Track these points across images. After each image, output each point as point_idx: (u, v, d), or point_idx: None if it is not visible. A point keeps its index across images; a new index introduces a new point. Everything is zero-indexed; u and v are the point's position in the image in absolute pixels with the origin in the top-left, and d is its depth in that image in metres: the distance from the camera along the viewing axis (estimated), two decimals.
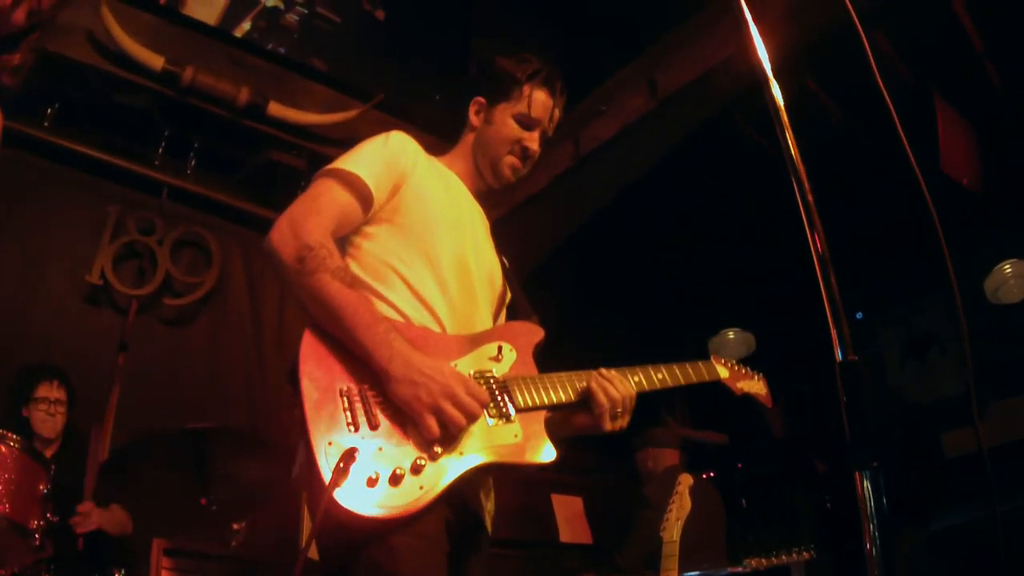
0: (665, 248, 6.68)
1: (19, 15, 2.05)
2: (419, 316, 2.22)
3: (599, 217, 6.00)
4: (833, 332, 1.53)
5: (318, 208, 2.20)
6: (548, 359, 2.40)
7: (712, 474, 5.87)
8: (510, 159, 2.56)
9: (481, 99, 2.62)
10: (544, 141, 2.61)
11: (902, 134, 1.80)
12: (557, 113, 2.64)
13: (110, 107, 5.29)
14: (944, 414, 6.82)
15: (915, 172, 1.81)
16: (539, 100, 2.57)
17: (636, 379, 2.43)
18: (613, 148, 5.52)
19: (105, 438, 4.56)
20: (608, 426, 2.28)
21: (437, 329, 2.23)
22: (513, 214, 5.35)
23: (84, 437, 4.29)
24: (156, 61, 5.08)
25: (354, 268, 2.24)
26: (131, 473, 3.96)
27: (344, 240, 2.29)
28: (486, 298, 2.45)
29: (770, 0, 4.56)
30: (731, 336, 7.69)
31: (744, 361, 2.90)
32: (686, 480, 4.52)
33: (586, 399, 2.29)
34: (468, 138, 2.64)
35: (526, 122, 2.56)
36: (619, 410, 2.29)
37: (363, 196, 2.27)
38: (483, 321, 2.39)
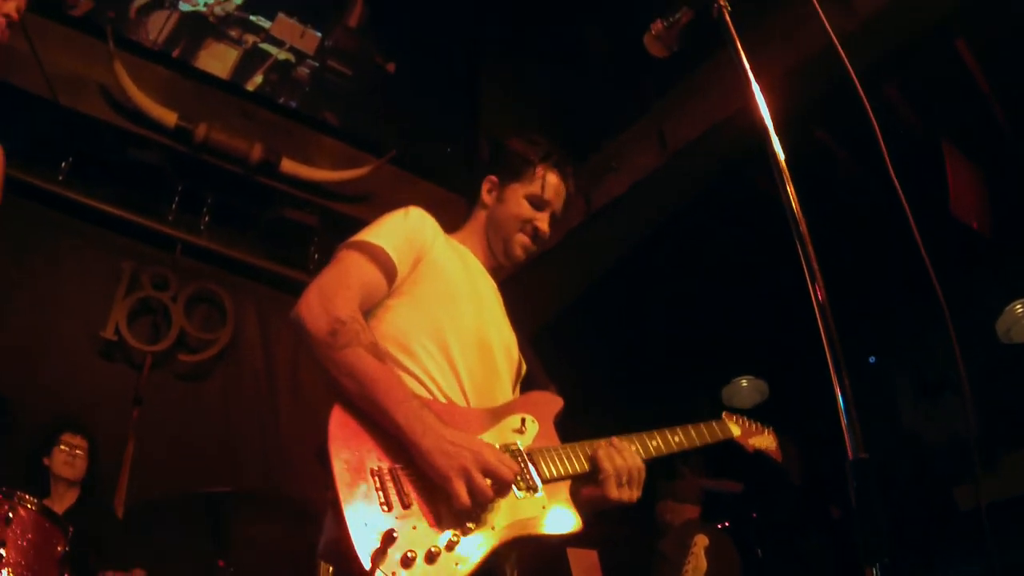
0: (677, 299, 6.69)
1: None
2: (444, 389, 2.23)
3: (612, 271, 6.03)
4: (845, 430, 1.55)
5: (346, 282, 2.20)
6: (564, 415, 2.43)
7: (727, 524, 5.85)
8: (522, 238, 2.61)
9: (494, 178, 2.68)
10: (553, 223, 2.67)
11: (896, 183, 1.85)
12: (567, 196, 2.70)
13: (124, 162, 5.32)
14: (958, 455, 6.80)
15: (909, 220, 1.84)
16: (552, 183, 2.64)
17: (654, 443, 2.46)
18: (625, 203, 5.55)
19: (120, 492, 4.56)
20: (614, 495, 2.26)
21: (462, 402, 2.24)
22: (525, 271, 5.31)
23: (99, 495, 4.29)
24: (169, 117, 5.12)
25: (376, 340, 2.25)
26: (148, 536, 3.95)
27: (366, 314, 2.29)
28: (506, 370, 2.47)
29: (776, 55, 4.61)
30: (744, 384, 7.67)
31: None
32: (702, 541, 4.51)
33: (596, 467, 2.29)
34: (480, 215, 2.69)
35: (538, 203, 2.62)
36: (624, 479, 2.28)
37: (387, 270, 2.28)
38: (504, 393, 2.40)
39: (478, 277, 2.57)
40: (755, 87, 1.94)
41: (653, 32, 2.20)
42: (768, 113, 1.90)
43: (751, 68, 1.95)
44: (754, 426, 2.98)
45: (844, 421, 1.57)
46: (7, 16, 2.50)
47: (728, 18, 2.04)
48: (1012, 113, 5.83)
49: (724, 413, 2.89)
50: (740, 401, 7.63)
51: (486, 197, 2.68)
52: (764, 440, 2.99)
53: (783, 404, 7.41)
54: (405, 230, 2.39)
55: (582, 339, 6.35)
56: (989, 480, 6.14)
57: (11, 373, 4.68)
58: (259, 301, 5.40)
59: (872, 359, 7.62)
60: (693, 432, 2.64)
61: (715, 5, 2.03)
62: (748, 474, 6.18)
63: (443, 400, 2.20)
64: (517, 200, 2.61)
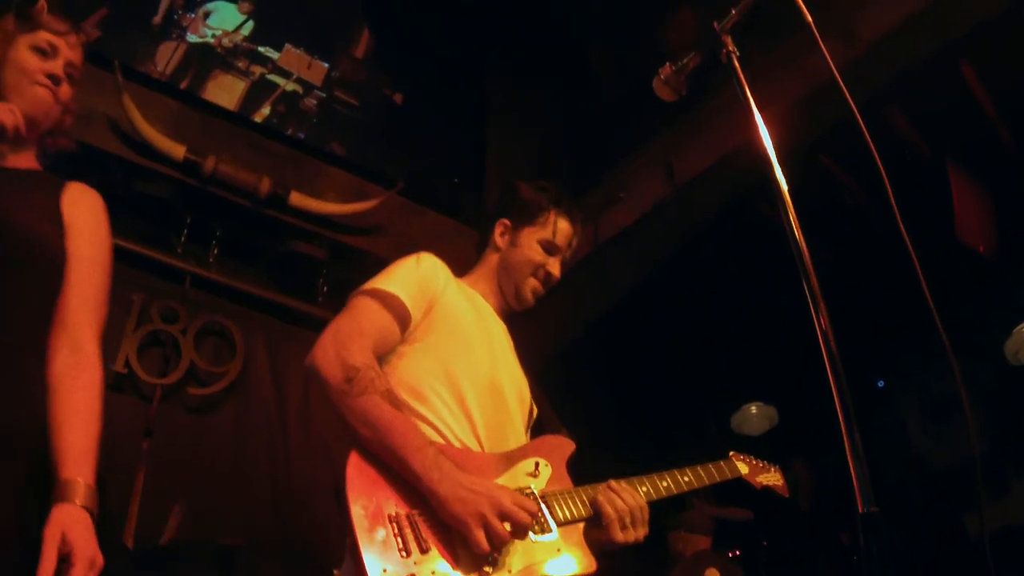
0: (685, 327, 6.71)
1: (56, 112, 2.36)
2: (458, 435, 2.26)
3: (621, 300, 6.04)
4: (855, 482, 1.57)
5: (360, 329, 2.23)
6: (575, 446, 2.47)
7: (738, 553, 5.84)
8: (533, 282, 2.70)
9: (507, 221, 2.75)
10: (563, 267, 2.74)
11: (896, 209, 1.87)
12: (575, 241, 2.80)
13: (132, 194, 5.33)
14: (969, 479, 6.79)
15: (909, 248, 1.87)
16: (563, 228, 2.74)
17: (664, 484, 2.53)
18: (632, 234, 5.57)
19: (130, 523, 4.55)
20: (619, 537, 2.30)
21: (476, 447, 2.27)
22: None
23: (109, 527, 4.27)
24: (178, 151, 5.13)
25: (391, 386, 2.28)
26: None
27: (380, 360, 2.32)
28: (518, 414, 2.51)
29: (784, 83, 4.63)
30: (754, 410, 7.68)
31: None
32: (712, 574, 4.54)
33: (597, 511, 2.32)
34: (492, 258, 2.76)
35: (550, 247, 2.71)
36: (628, 520, 2.32)
37: (401, 316, 2.32)
38: (517, 437, 2.45)
39: (490, 321, 2.61)
40: (760, 125, 1.97)
41: (662, 76, 2.23)
42: (772, 146, 1.93)
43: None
44: (761, 464, 3.09)
45: (854, 472, 1.58)
46: (52, 77, 2.39)
47: (737, 63, 2.06)
48: (1018, 135, 5.85)
49: (731, 453, 2.99)
50: (750, 428, 7.64)
51: (498, 240, 2.74)
52: (771, 477, 3.09)
53: (793, 430, 7.41)
54: (417, 277, 2.42)
55: (591, 368, 6.37)
56: (998, 506, 6.11)
57: None
58: (268, 334, 5.39)
59: (881, 383, 7.62)
60: (702, 472, 2.71)
61: (724, 51, 2.06)
62: (758, 502, 6.17)
63: (458, 445, 2.23)
64: (530, 244, 2.70)
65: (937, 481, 7.10)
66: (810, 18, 2.03)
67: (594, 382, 6.32)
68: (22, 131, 2.22)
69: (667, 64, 2.24)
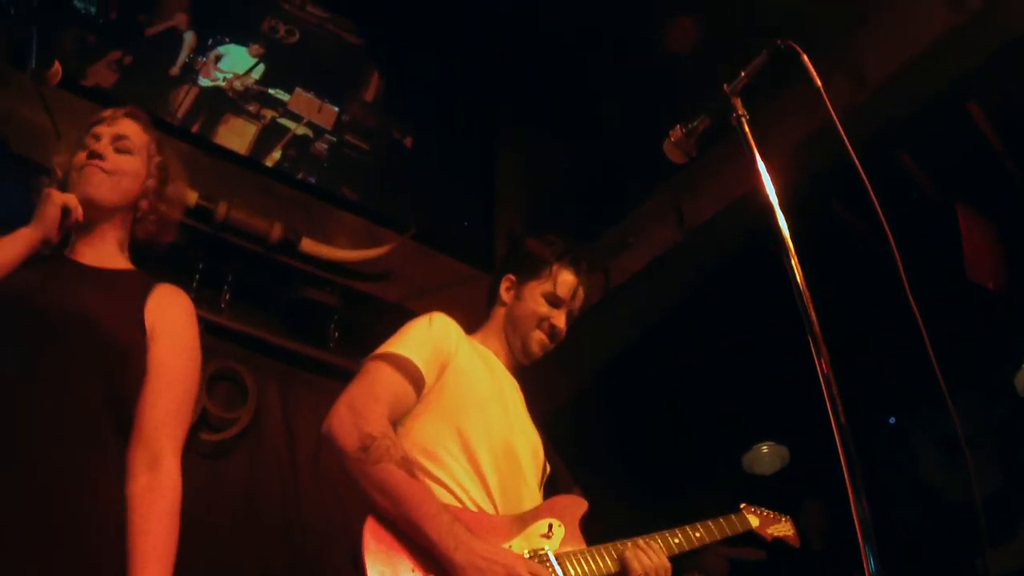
0: (695, 368, 6.71)
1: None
2: (473, 498, 2.27)
3: (632, 343, 6.05)
4: (862, 548, 1.58)
5: (375, 395, 2.25)
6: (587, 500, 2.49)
7: None
8: (538, 335, 2.73)
9: (512, 276, 2.80)
10: (571, 319, 2.77)
11: (896, 251, 1.89)
12: (582, 292, 2.86)
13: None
14: (983, 516, 6.74)
15: (906, 289, 1.89)
16: (565, 280, 2.77)
17: (676, 541, 2.58)
18: (643, 280, 5.59)
19: None
20: None
21: (491, 509, 2.29)
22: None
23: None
24: (190, 196, 5.16)
25: (406, 448, 2.30)
26: None
27: (395, 423, 2.34)
28: (532, 474, 2.53)
29: (793, 125, 4.66)
30: (765, 450, 7.66)
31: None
32: None
33: (624, 567, 2.36)
34: (499, 313, 2.80)
35: (554, 300, 2.75)
36: None
37: (415, 380, 2.34)
38: (532, 497, 2.46)
39: (502, 380, 2.63)
40: (768, 183, 1.99)
41: (672, 139, 2.26)
42: (775, 195, 1.95)
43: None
44: (771, 515, 3.16)
45: (860, 538, 1.60)
46: (93, 154, 2.36)
47: (746, 126, 2.08)
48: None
49: (743, 505, 3.03)
50: (761, 467, 7.62)
51: (504, 295, 2.79)
52: (781, 528, 3.17)
53: (804, 469, 7.39)
54: (431, 339, 2.44)
55: (603, 413, 6.36)
56: (1009, 546, 6.07)
57: None
58: (280, 379, 5.40)
59: (892, 420, 7.60)
60: (713, 527, 2.79)
61: (734, 115, 2.08)
62: (769, 543, 6.14)
63: (473, 508, 2.24)
64: (534, 298, 2.75)
65: (951, 516, 7.07)
66: (819, 82, 2.05)
67: (605, 428, 6.32)
68: (79, 216, 2.23)
69: (677, 127, 2.26)
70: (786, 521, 3.22)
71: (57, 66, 2.25)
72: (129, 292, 2.21)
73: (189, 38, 5.86)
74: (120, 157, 2.39)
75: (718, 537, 2.78)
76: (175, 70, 5.71)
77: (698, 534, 2.68)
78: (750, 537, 3.09)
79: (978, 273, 5.69)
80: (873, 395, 7.20)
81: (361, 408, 2.18)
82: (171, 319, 2.21)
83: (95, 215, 2.30)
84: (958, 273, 5.62)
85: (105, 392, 2.02)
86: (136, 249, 2.42)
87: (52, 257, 2.26)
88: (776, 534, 3.12)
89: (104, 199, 2.32)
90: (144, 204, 2.41)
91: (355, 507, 2.17)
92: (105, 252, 2.28)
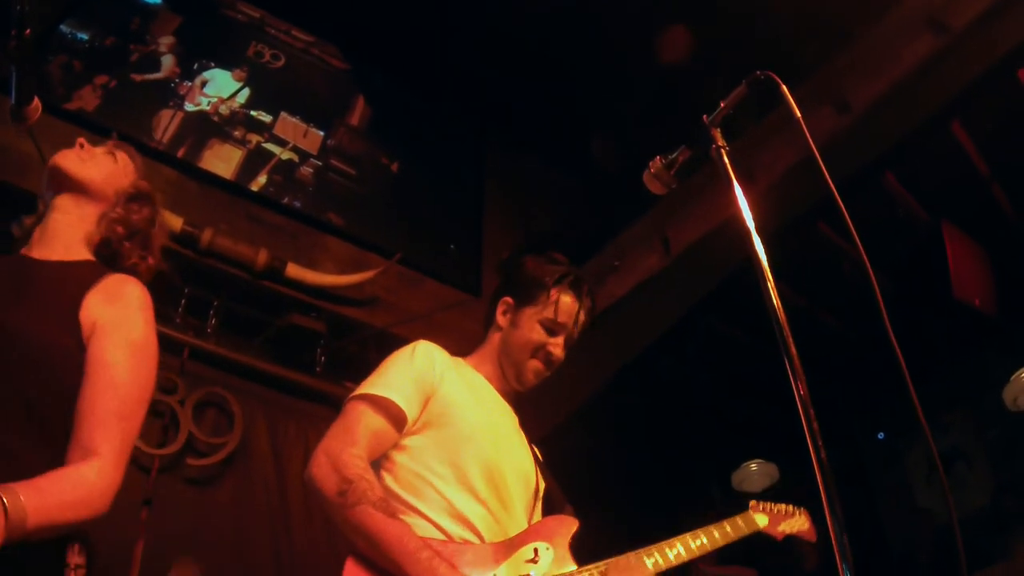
0: (684, 387, 6.71)
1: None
2: (456, 529, 2.25)
3: (620, 373, 6.04)
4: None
5: (353, 438, 2.22)
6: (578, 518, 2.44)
7: None
8: (534, 364, 2.61)
9: (509, 300, 2.68)
10: (570, 343, 2.65)
11: (872, 274, 1.88)
12: (583, 316, 2.67)
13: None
14: (975, 532, 6.74)
15: (883, 312, 1.88)
16: (565, 305, 2.62)
17: (674, 552, 2.48)
18: (628, 305, 5.57)
19: None
20: None
21: (475, 540, 2.25)
22: None
23: None
24: (175, 222, 5.14)
25: (389, 482, 2.28)
26: None
27: (382, 456, 2.32)
28: (521, 499, 2.47)
29: (779, 151, 4.66)
30: (754, 468, 7.66)
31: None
32: None
33: None
34: (495, 338, 2.69)
35: (552, 327, 2.61)
36: None
37: (396, 419, 2.30)
38: (519, 523, 2.41)
39: (492, 406, 2.57)
40: (746, 212, 1.98)
41: (652, 170, 2.25)
42: (753, 222, 1.95)
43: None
44: (783, 510, 2.97)
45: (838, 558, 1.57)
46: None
47: (726, 158, 2.07)
48: (1012, 192, 5.91)
49: (752, 503, 2.88)
50: (751, 485, 7.62)
51: (500, 320, 2.68)
52: (794, 523, 2.97)
53: (794, 487, 7.37)
54: (412, 373, 2.40)
55: (593, 437, 6.35)
56: (1001, 565, 6.04)
57: None
58: (267, 405, 5.37)
59: (881, 435, 7.60)
60: (715, 532, 2.64)
61: (713, 146, 2.07)
62: (761, 560, 6.12)
63: (457, 540, 2.22)
64: (531, 325, 2.61)
65: (943, 535, 7.05)
66: (799, 114, 2.04)
67: (596, 451, 6.30)
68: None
69: (657, 158, 2.25)
70: (801, 513, 3.02)
71: (36, 101, 2.19)
72: (69, 287, 2.01)
73: (174, 63, 5.84)
74: (99, 153, 2.38)
75: (721, 543, 2.63)
76: (160, 95, 5.69)
77: (698, 542, 2.54)
78: (742, 542, 2.92)
79: (965, 291, 5.71)
80: (867, 415, 7.21)
81: (339, 453, 2.15)
82: (114, 312, 1.99)
83: (58, 186, 2.24)
84: (950, 293, 5.63)
85: (20, 402, 1.83)
86: (102, 247, 2.26)
87: (7, 257, 2.16)
88: (788, 531, 2.94)
89: (69, 168, 2.23)
90: (118, 211, 2.31)
91: (343, 540, 2.15)
92: (61, 245, 2.11)
